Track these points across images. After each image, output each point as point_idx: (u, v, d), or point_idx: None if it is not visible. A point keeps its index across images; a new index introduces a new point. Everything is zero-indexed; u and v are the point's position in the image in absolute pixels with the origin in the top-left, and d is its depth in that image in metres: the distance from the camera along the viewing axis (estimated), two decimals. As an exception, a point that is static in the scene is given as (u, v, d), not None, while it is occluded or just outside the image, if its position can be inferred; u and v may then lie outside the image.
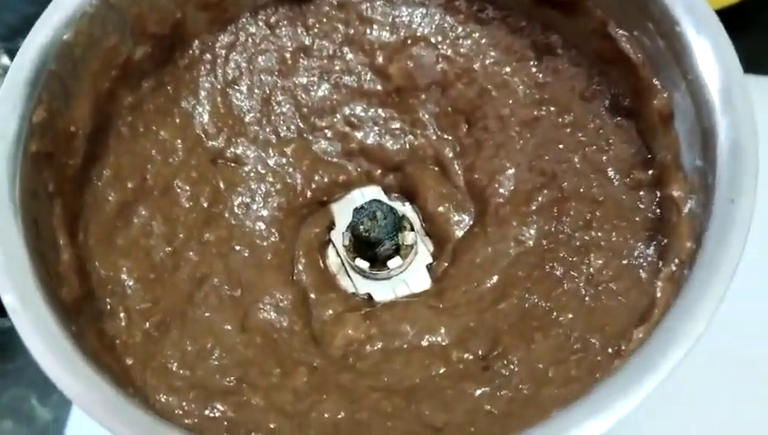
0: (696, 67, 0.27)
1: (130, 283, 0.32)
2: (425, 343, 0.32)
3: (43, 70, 0.30)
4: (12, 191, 0.27)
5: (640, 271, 0.31)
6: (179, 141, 0.35)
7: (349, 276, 0.37)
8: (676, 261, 0.27)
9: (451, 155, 0.37)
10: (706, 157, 0.26)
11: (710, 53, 0.27)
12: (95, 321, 0.30)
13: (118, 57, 0.33)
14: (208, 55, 0.37)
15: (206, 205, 0.35)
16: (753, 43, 0.53)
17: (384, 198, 0.38)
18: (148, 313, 0.32)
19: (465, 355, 0.32)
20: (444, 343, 0.32)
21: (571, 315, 0.31)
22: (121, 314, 0.31)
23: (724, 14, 0.49)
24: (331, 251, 0.37)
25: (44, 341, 0.25)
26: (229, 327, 0.33)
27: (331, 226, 0.38)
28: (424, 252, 0.37)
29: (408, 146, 0.38)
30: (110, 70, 0.33)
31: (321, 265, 0.37)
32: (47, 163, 0.30)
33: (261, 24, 0.37)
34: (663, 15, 0.29)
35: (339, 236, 0.37)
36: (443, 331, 0.33)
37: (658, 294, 0.27)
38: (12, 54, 0.52)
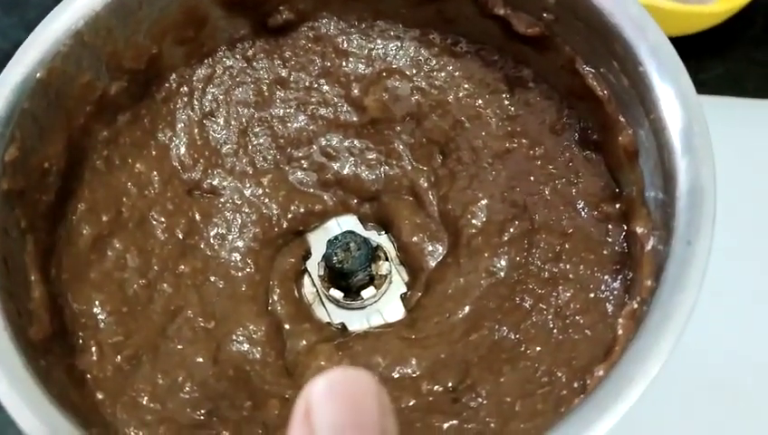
0: (658, 107, 0.28)
1: (103, 316, 0.32)
2: (396, 375, 0.33)
3: (15, 108, 0.30)
4: (-19, 229, 0.28)
5: (607, 304, 0.31)
6: (155, 173, 0.36)
7: (324, 306, 0.37)
8: (638, 298, 0.27)
9: (426, 185, 0.37)
10: (668, 195, 0.27)
11: (672, 94, 0.27)
12: (66, 356, 0.30)
13: (93, 93, 0.33)
14: (185, 88, 0.37)
15: (181, 236, 0.36)
16: (736, 63, 0.54)
17: (360, 228, 0.38)
18: (120, 346, 0.32)
19: (435, 387, 0.32)
20: (414, 375, 0.33)
21: (539, 348, 0.31)
22: (93, 349, 0.31)
23: (708, 35, 0.50)
24: (306, 280, 0.38)
25: (9, 381, 0.25)
26: (201, 360, 0.33)
27: (307, 255, 0.38)
28: (399, 281, 0.37)
29: (383, 176, 0.38)
30: (84, 106, 0.33)
31: (297, 294, 0.37)
32: (19, 201, 0.30)
33: (238, 56, 0.38)
34: (627, 55, 0.29)
35: (314, 265, 0.37)
36: (414, 362, 0.33)
37: (619, 332, 0.27)
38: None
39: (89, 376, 0.31)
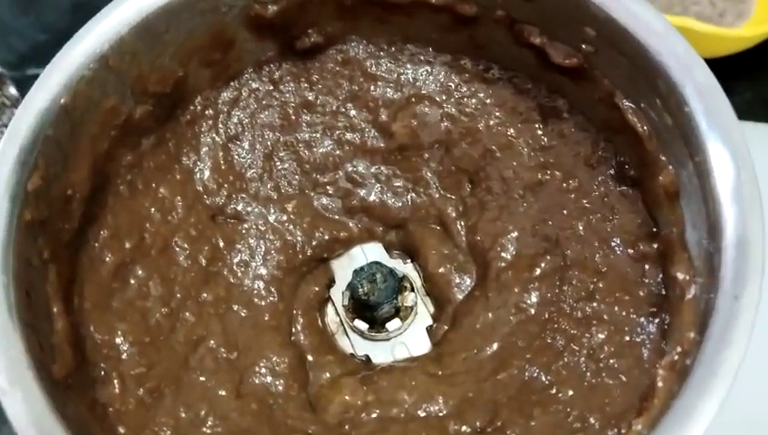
0: (705, 150, 0.27)
1: (125, 347, 0.32)
2: (422, 413, 0.32)
3: (39, 135, 0.29)
4: (5, 263, 0.27)
5: (642, 349, 0.30)
6: (179, 198, 0.35)
7: (347, 336, 0.36)
8: (678, 349, 0.26)
9: (454, 214, 0.37)
10: (713, 243, 0.26)
11: (719, 138, 0.26)
12: (87, 389, 0.30)
13: (117, 117, 0.32)
14: (210, 111, 0.36)
15: (204, 263, 0.35)
16: (766, 87, 0.53)
17: (385, 256, 0.37)
18: (142, 378, 0.31)
19: (463, 427, 0.31)
20: (441, 414, 0.32)
21: (571, 392, 0.30)
22: (115, 381, 0.31)
23: (740, 57, 0.49)
24: (330, 309, 0.37)
25: (32, 422, 0.24)
26: (224, 393, 0.32)
27: (331, 283, 0.37)
28: (424, 313, 0.36)
29: (410, 203, 0.37)
30: (109, 130, 0.32)
31: (320, 323, 0.36)
32: (41, 230, 0.29)
33: (264, 79, 0.37)
34: (672, 93, 0.28)
35: (338, 293, 0.37)
36: (441, 400, 0.32)
37: (660, 384, 0.26)
38: (19, 84, 0.51)
39: (111, 410, 0.30)
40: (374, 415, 0.32)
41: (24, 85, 0.52)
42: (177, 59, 0.34)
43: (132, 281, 0.33)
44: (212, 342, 0.33)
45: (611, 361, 0.30)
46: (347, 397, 0.33)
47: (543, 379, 0.31)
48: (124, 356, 0.31)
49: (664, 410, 0.25)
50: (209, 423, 0.31)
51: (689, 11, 0.53)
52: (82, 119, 0.31)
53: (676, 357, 0.26)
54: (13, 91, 0.52)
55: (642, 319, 0.30)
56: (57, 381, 0.27)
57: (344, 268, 0.37)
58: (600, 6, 0.30)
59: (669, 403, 0.24)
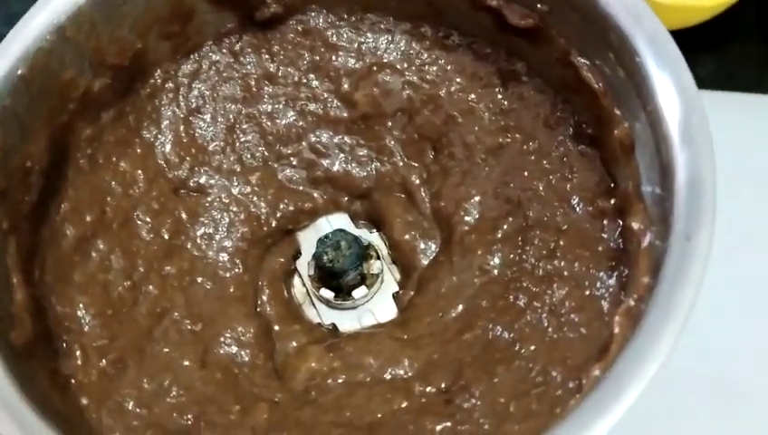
0: (655, 99, 0.27)
1: (87, 319, 0.32)
2: (388, 376, 0.32)
3: (-5, 105, 0.29)
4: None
5: (602, 302, 0.30)
6: (140, 172, 0.35)
7: (314, 306, 0.36)
8: (635, 296, 0.26)
9: (418, 182, 0.37)
10: (665, 189, 0.26)
11: (670, 85, 0.27)
12: (49, 360, 0.29)
13: (76, 90, 0.32)
14: (171, 84, 0.36)
15: (167, 236, 0.35)
16: (729, 58, 0.53)
17: (351, 226, 0.37)
18: (105, 350, 0.31)
19: (428, 388, 0.31)
20: (407, 376, 0.32)
21: (533, 347, 0.31)
22: (77, 353, 0.31)
23: (702, 29, 0.49)
24: (296, 280, 0.37)
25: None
26: (188, 363, 0.32)
27: (297, 254, 0.37)
28: (391, 280, 0.36)
29: (374, 172, 0.37)
30: (67, 103, 0.32)
31: (286, 295, 0.36)
32: (1, 201, 0.29)
33: (225, 51, 0.37)
34: (623, 45, 0.28)
35: (304, 265, 0.37)
36: (406, 363, 0.32)
37: (616, 330, 0.26)
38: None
39: (73, 381, 0.30)
40: (340, 380, 0.32)
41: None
42: (135, 31, 0.34)
43: (94, 254, 0.33)
44: (176, 314, 0.33)
45: (572, 315, 0.30)
46: (313, 364, 0.33)
47: (507, 337, 0.31)
48: (86, 328, 0.31)
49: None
50: (173, 393, 0.31)
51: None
52: (40, 90, 0.31)
53: (632, 303, 0.26)
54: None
55: (602, 273, 0.31)
56: (17, 349, 0.27)
57: (309, 239, 0.37)
58: (552, -36, 0.30)
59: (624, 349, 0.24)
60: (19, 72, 0.30)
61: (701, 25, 0.50)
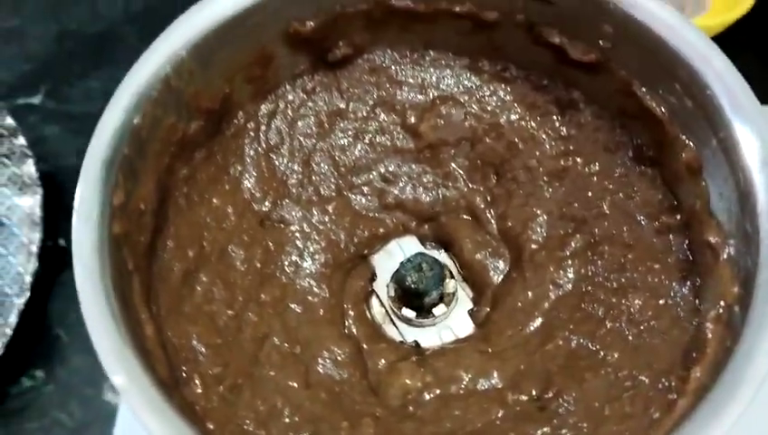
0: (729, 127, 0.30)
1: (201, 349, 0.33)
2: (480, 388, 0.35)
3: (117, 153, 0.31)
4: (103, 273, 0.29)
5: (678, 309, 0.33)
6: (230, 207, 0.37)
7: (394, 325, 0.39)
8: (722, 303, 0.30)
9: (483, 205, 0.40)
10: (745, 211, 0.29)
11: (740, 115, 0.30)
12: (176, 389, 0.31)
13: (176, 133, 0.34)
14: (252, 124, 0.38)
15: (259, 266, 0.37)
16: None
17: (421, 248, 0.40)
18: (220, 377, 0.33)
19: (521, 397, 0.34)
20: (499, 386, 0.35)
21: (617, 354, 0.34)
22: (197, 381, 0.32)
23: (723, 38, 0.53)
24: (374, 302, 0.39)
25: (156, 417, 0.26)
26: (295, 384, 0.34)
27: (373, 277, 0.40)
28: (464, 297, 0.39)
29: (441, 197, 0.40)
30: (169, 146, 0.34)
31: (368, 315, 0.39)
32: (125, 242, 0.31)
33: (299, 90, 0.39)
34: (692, 79, 0.31)
35: (381, 286, 0.39)
36: (496, 374, 0.35)
37: (709, 335, 0.29)
38: (13, 114, 0.52)
39: (197, 407, 0.32)
40: (435, 394, 0.35)
41: (18, 115, 0.53)
42: (225, 76, 0.36)
43: (198, 288, 0.35)
44: (275, 339, 0.36)
45: (651, 323, 0.33)
46: (407, 380, 0.35)
47: (589, 346, 0.34)
48: (201, 358, 0.33)
49: (719, 358, 0.28)
50: (286, 413, 0.33)
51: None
52: (148, 136, 0.33)
53: (721, 311, 0.29)
54: (10, 121, 0.52)
55: (674, 283, 0.34)
56: (165, 383, 0.29)
57: (383, 262, 0.40)
58: (618, 5, 0.33)
59: (726, 352, 0.27)
60: (134, 121, 0.32)
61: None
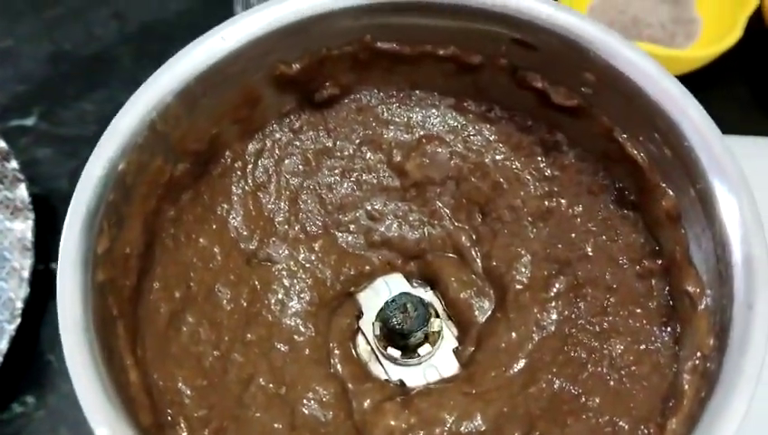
0: (706, 179, 0.30)
1: (187, 391, 0.34)
2: (464, 430, 0.35)
3: (102, 201, 0.31)
4: (86, 322, 0.29)
5: (658, 356, 0.34)
6: (217, 247, 0.38)
7: (380, 363, 0.39)
8: (699, 354, 0.30)
9: (468, 244, 0.40)
10: (722, 260, 0.30)
11: (717, 168, 0.30)
12: (162, 434, 0.32)
13: (163, 176, 0.35)
14: (239, 163, 0.39)
15: (245, 305, 0.37)
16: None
17: (407, 286, 0.40)
18: (206, 419, 0.33)
19: (504, 440, 0.34)
20: (482, 429, 0.35)
21: (598, 399, 0.34)
22: (182, 424, 0.33)
23: (688, 78, 0.53)
24: (360, 339, 0.40)
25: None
26: (280, 426, 0.35)
27: (359, 314, 0.40)
28: (449, 336, 0.39)
29: (427, 235, 0.40)
30: (156, 189, 0.35)
31: (354, 354, 0.39)
32: (110, 288, 0.31)
33: (286, 129, 0.40)
34: (670, 130, 0.32)
35: (367, 324, 0.39)
36: (479, 417, 0.35)
37: (686, 386, 0.30)
38: (5, 136, 0.52)
39: (182, 452, 0.32)
40: (419, 436, 0.35)
41: (11, 137, 0.53)
42: (212, 118, 0.36)
43: (185, 328, 0.35)
44: (261, 379, 0.36)
45: (632, 368, 0.34)
46: (391, 422, 0.36)
47: (572, 389, 0.35)
48: (186, 400, 0.34)
49: (694, 410, 0.28)
50: (273, 456, 0.34)
51: (643, 35, 0.57)
52: (135, 181, 0.33)
53: (698, 362, 0.30)
54: (2, 144, 0.52)
55: (655, 328, 0.34)
56: (149, 431, 0.29)
57: (370, 300, 0.40)
58: (599, 54, 0.34)
59: (700, 403, 0.28)
60: (119, 167, 0.32)
61: (686, 75, 0.53)
